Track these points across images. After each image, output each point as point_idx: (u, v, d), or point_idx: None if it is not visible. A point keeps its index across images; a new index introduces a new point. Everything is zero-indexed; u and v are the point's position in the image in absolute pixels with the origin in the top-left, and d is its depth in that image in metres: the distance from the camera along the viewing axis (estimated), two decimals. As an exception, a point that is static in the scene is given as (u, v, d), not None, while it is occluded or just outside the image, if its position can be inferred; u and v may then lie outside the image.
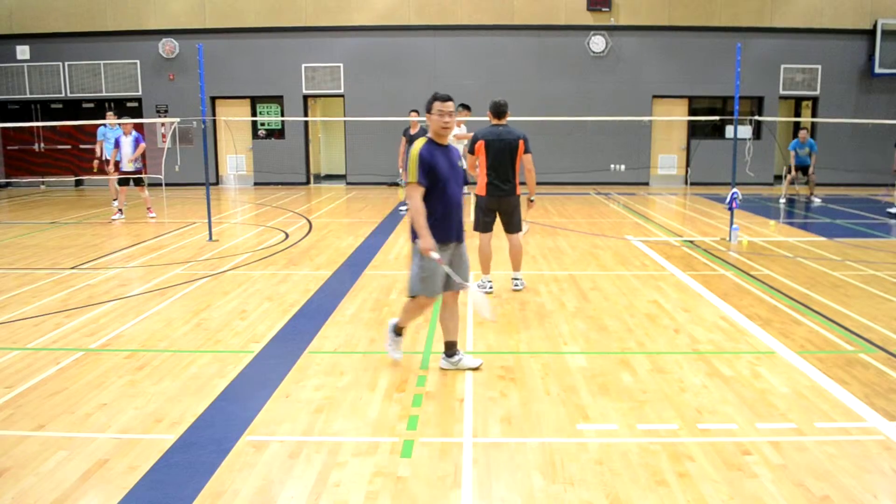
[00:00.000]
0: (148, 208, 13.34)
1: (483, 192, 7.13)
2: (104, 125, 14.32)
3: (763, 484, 3.54)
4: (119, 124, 13.73)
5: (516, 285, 7.47)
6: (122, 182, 13.22)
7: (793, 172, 15.17)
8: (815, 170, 15.06)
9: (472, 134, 11.47)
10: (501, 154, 6.96)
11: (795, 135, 15.56)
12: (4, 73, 19.16)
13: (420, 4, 18.55)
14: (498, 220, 7.29)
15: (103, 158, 14.20)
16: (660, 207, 15.05)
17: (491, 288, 7.36)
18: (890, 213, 13.33)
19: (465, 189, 6.11)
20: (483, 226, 7.26)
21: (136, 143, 12.99)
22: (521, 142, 7.00)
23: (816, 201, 15.05)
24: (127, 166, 12.98)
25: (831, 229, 11.62)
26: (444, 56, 18.78)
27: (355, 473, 3.67)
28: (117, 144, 13.07)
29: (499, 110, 7.04)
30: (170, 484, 3.58)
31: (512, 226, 7.26)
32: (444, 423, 4.26)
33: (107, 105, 19.21)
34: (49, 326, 6.27)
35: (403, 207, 14.01)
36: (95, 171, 14.30)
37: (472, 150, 7.11)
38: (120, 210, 13.17)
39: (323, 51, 18.80)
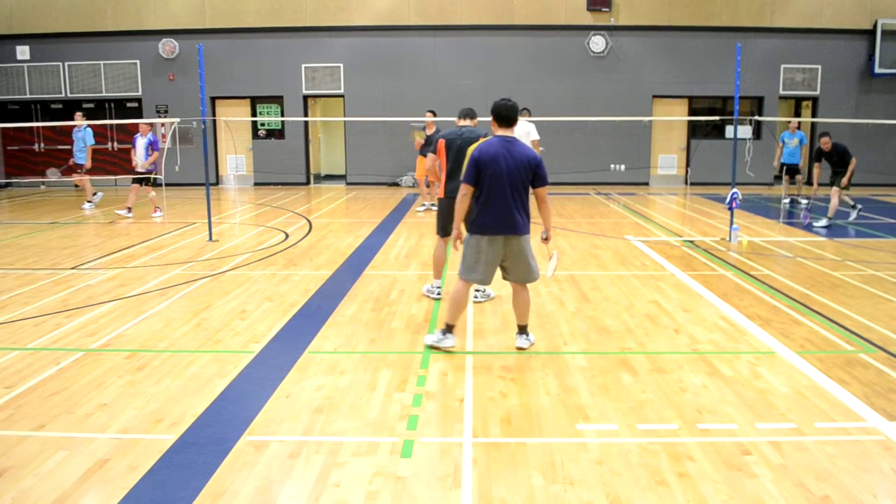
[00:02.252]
0: (156, 207, 13.42)
1: (442, 195, 6.86)
2: (76, 127, 14.60)
3: (763, 484, 3.54)
4: (88, 125, 14.34)
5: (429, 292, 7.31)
6: (137, 181, 13.41)
7: (783, 175, 14.85)
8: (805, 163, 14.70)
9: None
10: (461, 155, 6.66)
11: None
12: (4, 73, 19.16)
13: (420, 4, 18.55)
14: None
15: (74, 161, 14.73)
16: (660, 207, 15.05)
17: (439, 294, 7.14)
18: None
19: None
20: (442, 230, 6.98)
21: (150, 147, 13.18)
22: (481, 139, 6.84)
23: (802, 203, 14.63)
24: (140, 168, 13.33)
25: (831, 229, 11.61)
26: (444, 56, 18.77)
27: (355, 473, 3.67)
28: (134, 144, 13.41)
29: (464, 113, 7.01)
30: (170, 484, 3.58)
31: None
32: (444, 423, 4.27)
33: (106, 105, 19.24)
34: (49, 326, 6.27)
35: (420, 209, 14.03)
36: (69, 165, 14.78)
37: (435, 151, 6.97)
38: (129, 208, 13.37)
39: (323, 51, 18.80)
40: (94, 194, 14.99)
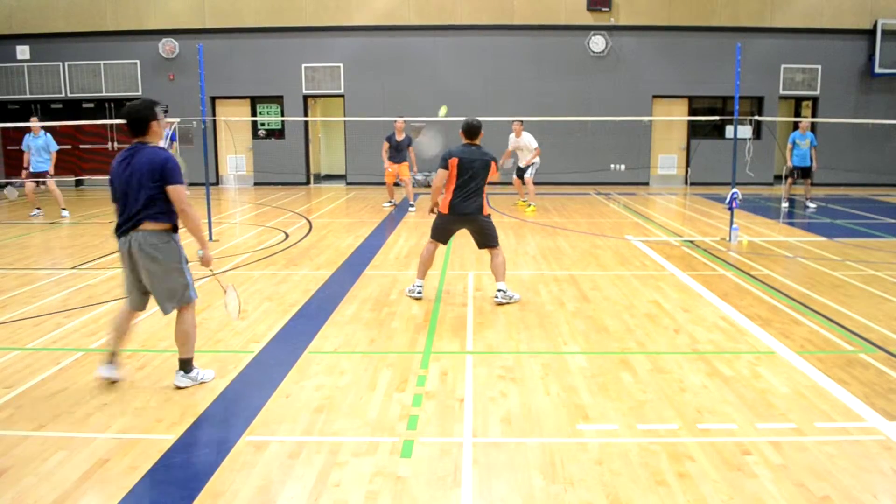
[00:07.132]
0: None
1: (445, 210, 6.87)
2: (30, 133, 13.95)
3: (763, 484, 3.54)
4: (43, 130, 13.87)
5: (497, 297, 6.88)
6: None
7: (793, 176, 14.35)
8: (815, 166, 14.43)
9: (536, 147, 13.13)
10: (472, 174, 6.76)
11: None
12: (4, 73, 19.15)
13: (420, 4, 18.55)
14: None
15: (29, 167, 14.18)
16: (660, 207, 15.05)
17: (420, 294, 7.10)
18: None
19: None
20: (437, 236, 7.10)
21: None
22: (492, 164, 6.85)
23: (811, 207, 14.32)
24: None
25: (831, 229, 11.62)
26: (444, 56, 18.77)
27: (355, 473, 3.67)
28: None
29: (472, 130, 6.89)
30: (170, 484, 3.58)
31: (487, 241, 7.01)
32: (444, 423, 4.26)
33: (106, 105, 19.23)
34: (49, 326, 6.27)
35: (411, 207, 14.03)
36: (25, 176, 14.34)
37: (445, 166, 6.81)
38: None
39: (323, 51, 18.80)
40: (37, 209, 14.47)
